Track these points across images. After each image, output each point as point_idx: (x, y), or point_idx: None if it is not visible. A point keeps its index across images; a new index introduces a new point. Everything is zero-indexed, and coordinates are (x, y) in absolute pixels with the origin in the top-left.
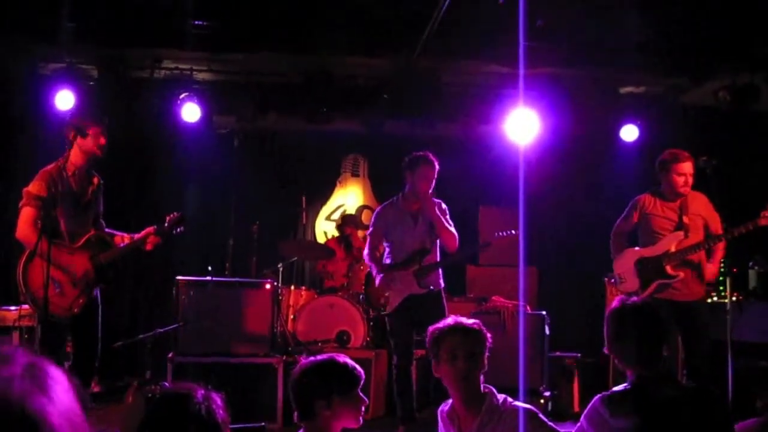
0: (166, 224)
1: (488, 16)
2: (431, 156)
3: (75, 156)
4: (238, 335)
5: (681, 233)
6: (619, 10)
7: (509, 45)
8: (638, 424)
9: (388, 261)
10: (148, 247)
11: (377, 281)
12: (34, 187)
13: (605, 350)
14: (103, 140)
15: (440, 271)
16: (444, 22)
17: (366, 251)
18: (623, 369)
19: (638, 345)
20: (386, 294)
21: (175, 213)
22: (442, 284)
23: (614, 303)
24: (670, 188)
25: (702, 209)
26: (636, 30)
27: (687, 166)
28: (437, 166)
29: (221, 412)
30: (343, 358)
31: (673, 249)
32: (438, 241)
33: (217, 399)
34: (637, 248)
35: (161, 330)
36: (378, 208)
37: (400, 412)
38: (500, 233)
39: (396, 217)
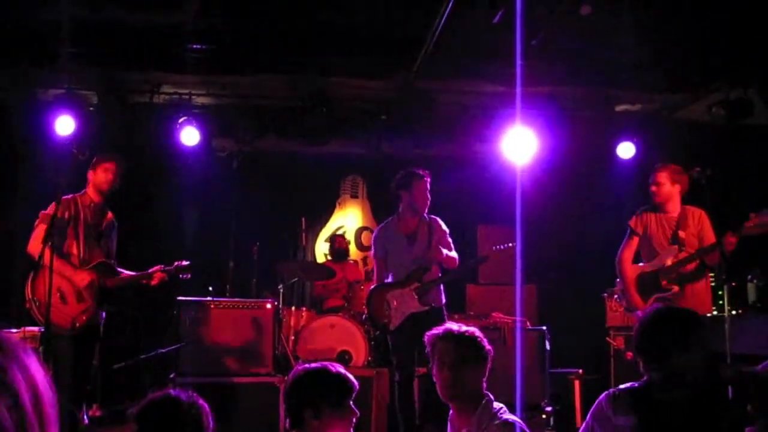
0: (173, 267)
1: (483, 36)
2: (421, 171)
3: (91, 191)
4: (239, 355)
5: (676, 247)
6: (613, 29)
7: (505, 64)
8: (637, 423)
9: (389, 281)
10: (154, 281)
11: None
12: (49, 209)
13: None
14: (111, 176)
15: (441, 287)
16: (440, 43)
17: (375, 276)
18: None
19: (646, 349)
20: (387, 312)
21: (184, 261)
22: (444, 300)
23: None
24: (650, 198)
25: (698, 225)
26: (630, 48)
27: (660, 176)
28: (429, 179)
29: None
30: (337, 368)
31: (668, 263)
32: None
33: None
34: (640, 264)
35: (162, 350)
36: (374, 233)
37: (402, 429)
38: (498, 246)
39: (392, 240)
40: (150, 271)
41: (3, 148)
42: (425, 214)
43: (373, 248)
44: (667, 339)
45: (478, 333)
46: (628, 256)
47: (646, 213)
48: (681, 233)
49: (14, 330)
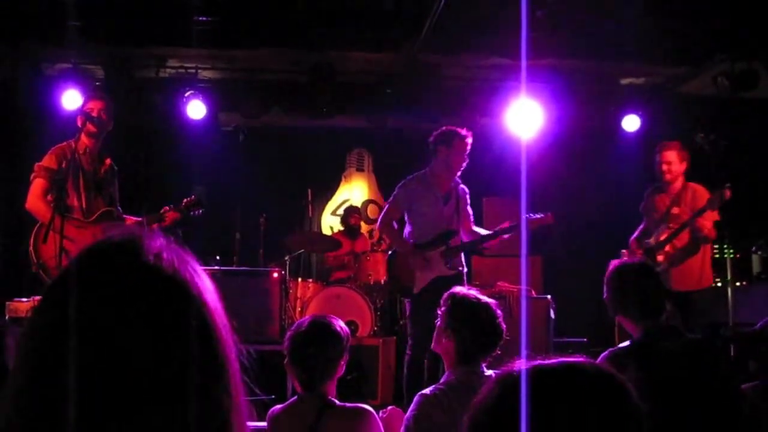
0: (182, 205)
1: (488, 8)
2: (464, 131)
3: (84, 138)
4: (246, 323)
5: (667, 223)
6: (618, 2)
7: (510, 37)
8: (641, 377)
9: (411, 240)
10: (167, 222)
11: (410, 260)
12: (44, 161)
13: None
14: (100, 114)
15: (462, 254)
16: (444, 16)
17: (381, 217)
18: (629, 328)
19: (642, 299)
20: (412, 274)
21: (192, 196)
22: (465, 268)
23: (611, 266)
24: (659, 177)
25: (693, 200)
26: (635, 21)
27: (669, 155)
28: (470, 140)
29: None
30: (326, 318)
31: (662, 238)
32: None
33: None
34: (646, 240)
35: None
36: (404, 180)
37: (406, 400)
38: (533, 215)
39: (424, 194)
40: (161, 212)
41: (10, 123)
42: (457, 179)
43: (395, 195)
44: (655, 289)
45: (461, 299)
46: (638, 235)
47: (650, 195)
48: (675, 209)
49: (24, 299)
